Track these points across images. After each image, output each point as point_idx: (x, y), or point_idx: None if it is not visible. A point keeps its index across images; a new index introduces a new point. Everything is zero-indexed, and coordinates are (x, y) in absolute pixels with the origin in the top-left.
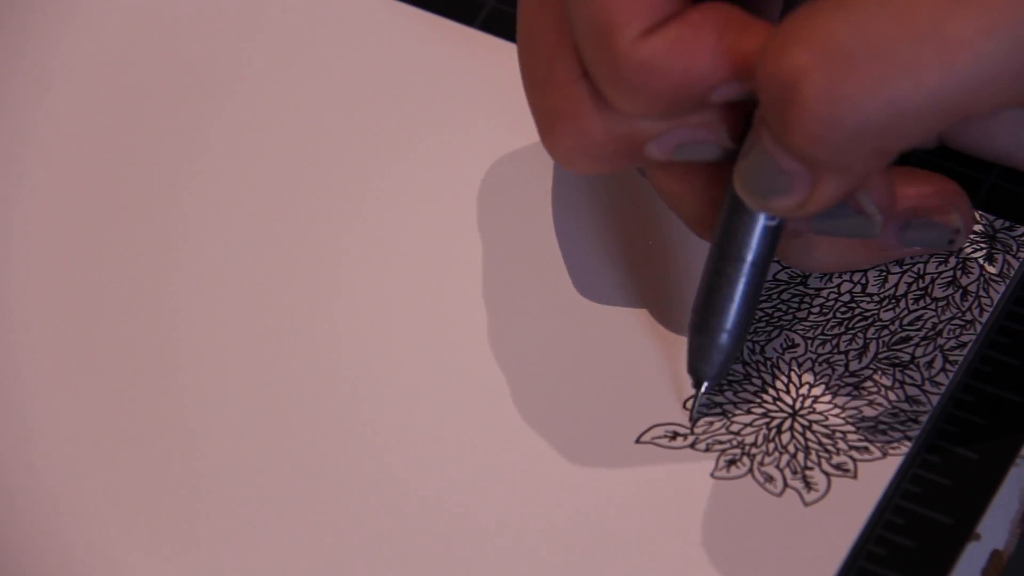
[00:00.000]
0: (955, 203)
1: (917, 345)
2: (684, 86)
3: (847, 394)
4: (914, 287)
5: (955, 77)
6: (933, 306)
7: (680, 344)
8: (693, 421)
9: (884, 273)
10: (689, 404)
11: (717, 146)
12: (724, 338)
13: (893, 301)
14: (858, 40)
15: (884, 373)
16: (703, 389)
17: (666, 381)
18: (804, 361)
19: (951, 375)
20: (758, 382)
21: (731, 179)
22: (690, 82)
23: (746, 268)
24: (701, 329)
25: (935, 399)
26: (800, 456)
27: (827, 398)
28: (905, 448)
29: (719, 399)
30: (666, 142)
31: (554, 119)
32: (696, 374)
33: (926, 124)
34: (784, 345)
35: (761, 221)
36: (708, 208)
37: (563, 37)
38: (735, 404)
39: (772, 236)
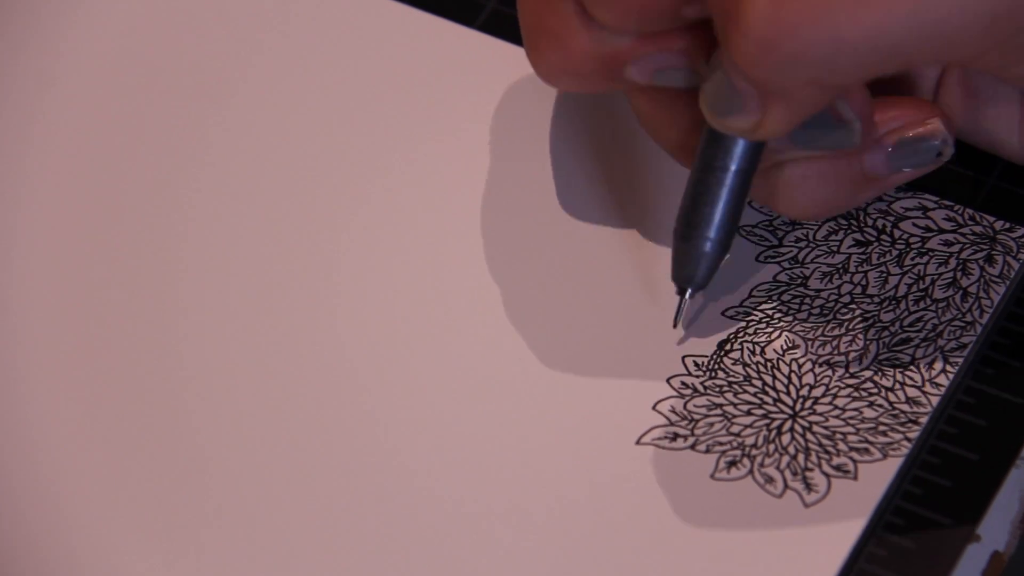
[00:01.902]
0: (936, 116)
1: (917, 346)
2: None
3: (847, 395)
4: (914, 288)
5: (897, 21)
6: (933, 307)
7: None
8: (676, 326)
9: (884, 275)
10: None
11: (693, 72)
12: (708, 245)
13: (893, 302)
14: None
15: (884, 374)
16: (687, 296)
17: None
18: (804, 363)
19: (951, 376)
20: (758, 383)
21: None
22: None
23: (728, 177)
24: (685, 237)
25: (935, 400)
26: (800, 457)
27: (827, 399)
28: (905, 449)
29: (719, 400)
30: (645, 66)
31: (540, 35)
32: (680, 282)
33: (863, 63)
34: (784, 347)
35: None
36: (688, 134)
37: None
38: (735, 405)
39: (754, 148)
